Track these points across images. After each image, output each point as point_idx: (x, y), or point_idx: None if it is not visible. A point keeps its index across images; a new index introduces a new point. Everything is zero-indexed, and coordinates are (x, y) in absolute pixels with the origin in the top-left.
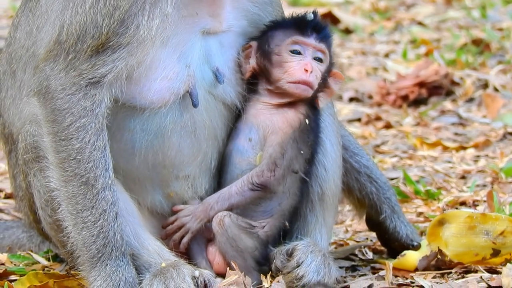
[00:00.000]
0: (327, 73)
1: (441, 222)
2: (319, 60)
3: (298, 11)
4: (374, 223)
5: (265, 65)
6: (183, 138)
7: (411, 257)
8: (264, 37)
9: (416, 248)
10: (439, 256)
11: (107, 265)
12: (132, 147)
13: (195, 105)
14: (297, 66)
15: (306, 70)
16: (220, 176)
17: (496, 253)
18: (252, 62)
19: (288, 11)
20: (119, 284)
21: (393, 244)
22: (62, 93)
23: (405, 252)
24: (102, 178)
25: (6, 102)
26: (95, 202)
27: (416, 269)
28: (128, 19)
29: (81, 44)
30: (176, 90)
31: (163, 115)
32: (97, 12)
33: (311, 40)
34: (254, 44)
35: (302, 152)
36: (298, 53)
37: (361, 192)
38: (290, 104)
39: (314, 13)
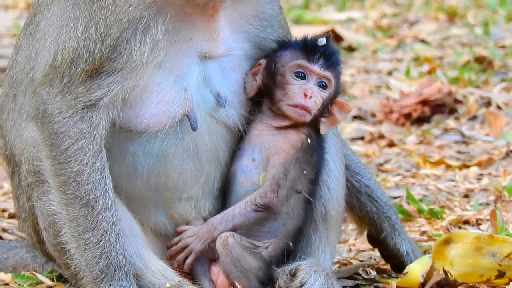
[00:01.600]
0: (331, 100)
1: (447, 241)
2: (323, 86)
3: (302, 29)
4: (375, 240)
5: (270, 84)
6: (185, 161)
7: (413, 274)
8: (273, 56)
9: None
10: (443, 276)
11: (110, 285)
12: (134, 170)
13: (193, 129)
14: (298, 90)
15: (306, 95)
16: (224, 197)
17: (501, 275)
18: (259, 80)
19: (291, 30)
20: None
21: (394, 261)
22: (59, 117)
23: (407, 270)
24: (102, 199)
25: (8, 124)
26: (96, 223)
27: (423, 286)
28: (121, 45)
29: (75, 68)
30: (172, 113)
31: (164, 138)
32: (89, 37)
33: (316, 67)
34: (263, 61)
35: (305, 172)
36: (302, 77)
37: (361, 211)
38: (292, 126)
39: (327, 38)
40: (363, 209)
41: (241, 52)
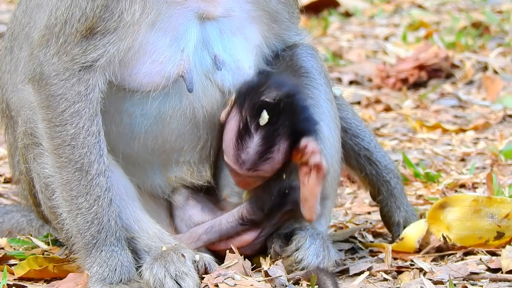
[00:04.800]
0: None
1: (442, 206)
2: None
3: None
4: (375, 200)
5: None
6: (182, 124)
7: (409, 239)
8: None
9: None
10: (442, 241)
11: (102, 251)
12: (131, 131)
13: (189, 90)
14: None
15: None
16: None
17: (500, 235)
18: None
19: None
20: (115, 269)
21: (386, 226)
22: (56, 79)
23: (402, 235)
24: (96, 164)
25: (5, 77)
26: (90, 188)
27: (419, 250)
28: (112, 4)
29: (70, 28)
30: (167, 73)
31: (162, 100)
32: None
33: (244, 171)
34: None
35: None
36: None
37: (361, 173)
38: None
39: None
40: (362, 171)
41: (243, 14)
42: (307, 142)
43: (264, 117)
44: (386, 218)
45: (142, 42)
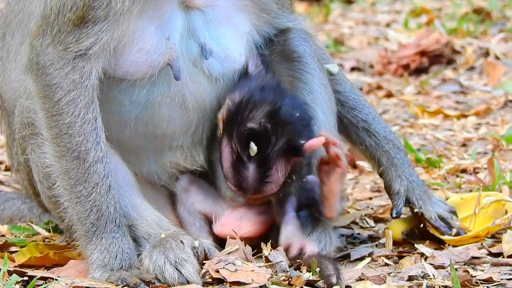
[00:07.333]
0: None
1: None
2: None
3: None
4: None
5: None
6: (173, 110)
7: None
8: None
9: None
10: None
11: (102, 238)
12: (121, 118)
13: (176, 78)
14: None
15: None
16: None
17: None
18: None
19: None
20: (116, 256)
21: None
22: (51, 68)
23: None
24: (93, 151)
25: None
26: (87, 175)
27: (421, 237)
28: None
29: (62, 17)
30: (153, 62)
31: (150, 87)
32: None
33: (249, 196)
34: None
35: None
36: None
37: (361, 145)
38: None
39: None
40: (362, 143)
41: (227, 3)
42: (310, 144)
43: (254, 148)
44: (388, 188)
45: (131, 30)
